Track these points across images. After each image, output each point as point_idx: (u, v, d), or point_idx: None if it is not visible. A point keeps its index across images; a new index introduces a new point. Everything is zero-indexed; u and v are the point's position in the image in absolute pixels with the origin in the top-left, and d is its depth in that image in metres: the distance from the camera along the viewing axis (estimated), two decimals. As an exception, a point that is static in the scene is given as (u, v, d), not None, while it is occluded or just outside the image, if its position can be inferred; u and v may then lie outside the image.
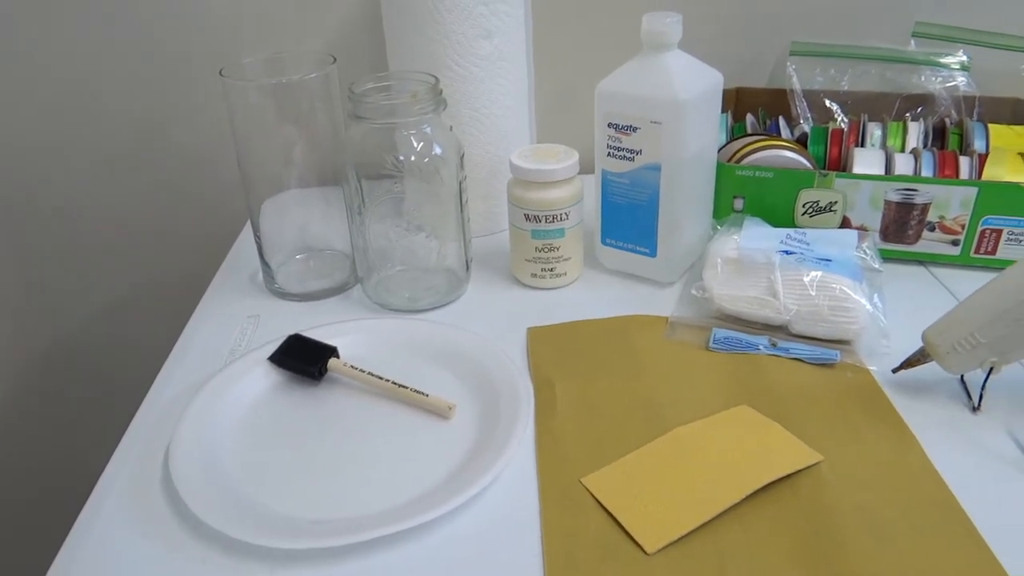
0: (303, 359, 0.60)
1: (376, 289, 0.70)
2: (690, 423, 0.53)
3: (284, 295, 0.72)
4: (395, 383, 0.57)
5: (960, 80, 0.82)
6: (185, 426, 0.54)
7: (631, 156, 0.66)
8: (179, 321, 0.71)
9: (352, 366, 0.59)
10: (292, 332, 0.63)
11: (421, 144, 0.63)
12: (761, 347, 0.60)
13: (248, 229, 0.84)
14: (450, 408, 0.55)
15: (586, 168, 0.70)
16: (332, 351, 0.60)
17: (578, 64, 0.91)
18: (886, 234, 0.71)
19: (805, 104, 0.85)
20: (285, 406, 0.58)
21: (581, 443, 0.53)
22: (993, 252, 0.69)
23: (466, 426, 0.55)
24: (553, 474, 0.50)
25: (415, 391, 0.57)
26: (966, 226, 0.68)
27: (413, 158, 0.63)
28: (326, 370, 0.60)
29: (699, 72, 0.65)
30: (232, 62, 0.66)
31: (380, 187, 0.65)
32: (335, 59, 0.66)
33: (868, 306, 0.60)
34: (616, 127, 0.65)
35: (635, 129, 0.64)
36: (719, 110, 0.68)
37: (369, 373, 0.58)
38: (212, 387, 0.58)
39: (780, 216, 0.72)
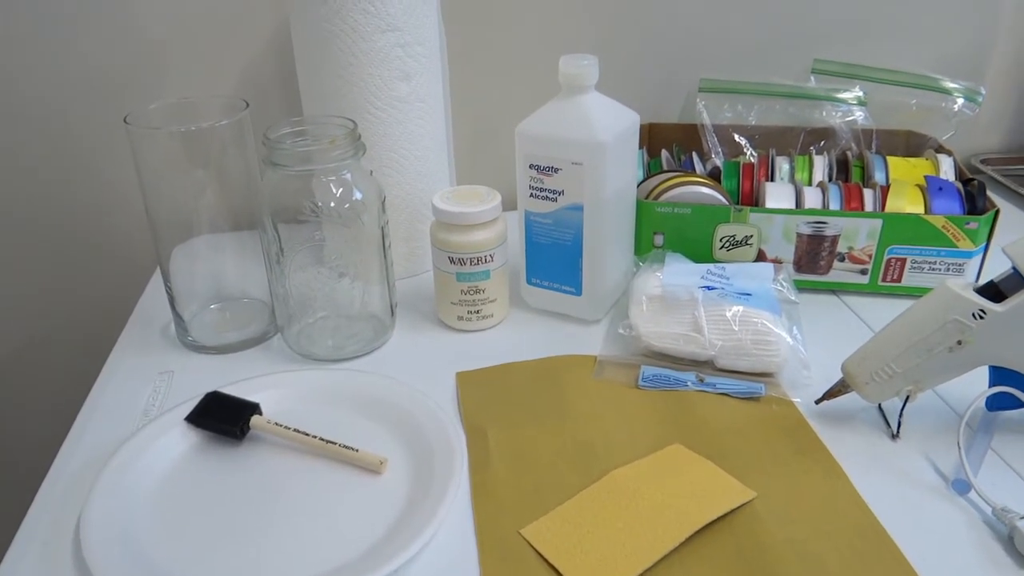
0: (223, 418, 0.57)
1: (297, 339, 0.68)
2: (625, 465, 0.53)
3: (199, 348, 0.69)
4: (322, 439, 0.55)
5: (858, 114, 0.86)
6: (97, 496, 0.51)
7: (553, 197, 0.66)
8: (86, 380, 0.67)
9: (276, 423, 0.57)
10: (209, 388, 0.60)
11: (341, 190, 0.62)
12: (689, 383, 0.61)
13: (157, 279, 0.80)
14: (381, 463, 0.54)
15: (506, 205, 0.70)
16: (254, 408, 0.58)
17: (493, 104, 0.91)
18: (799, 265, 0.73)
19: (715, 139, 0.87)
20: (205, 469, 0.55)
21: (517, 492, 0.52)
22: (899, 280, 0.72)
23: (399, 480, 0.53)
24: (491, 527, 0.49)
25: (344, 446, 0.55)
26: (873, 256, 0.71)
27: (333, 204, 0.62)
28: (248, 428, 0.57)
29: (617, 112, 0.66)
30: (136, 108, 0.63)
31: (299, 234, 0.63)
32: (248, 104, 0.64)
33: (788, 339, 0.62)
34: (538, 168, 0.66)
35: (556, 170, 0.65)
36: (636, 149, 0.70)
37: (294, 430, 0.56)
38: (125, 452, 0.55)
39: (699, 250, 0.73)
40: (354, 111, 0.70)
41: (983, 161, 1.00)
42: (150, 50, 0.84)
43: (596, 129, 0.63)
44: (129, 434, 0.57)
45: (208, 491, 0.53)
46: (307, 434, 0.56)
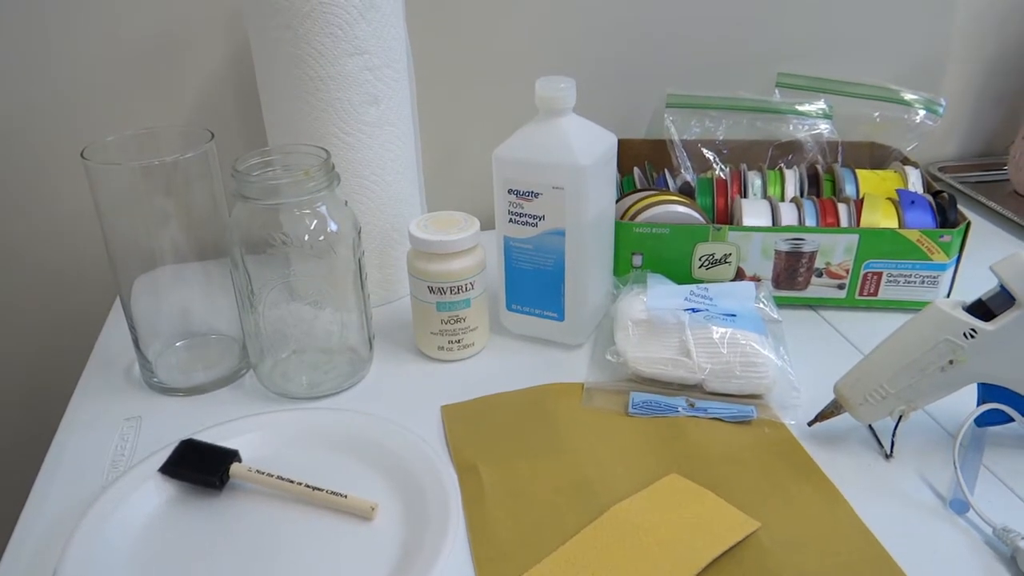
0: (200, 467, 0.54)
1: (271, 376, 0.65)
2: (624, 500, 0.52)
3: (167, 390, 0.65)
4: (308, 485, 0.53)
5: (824, 127, 0.87)
6: (69, 559, 0.47)
7: (534, 222, 0.64)
8: (45, 431, 0.63)
9: (257, 470, 0.54)
10: (180, 433, 0.57)
11: (315, 222, 0.59)
12: (680, 409, 0.60)
13: (115, 316, 0.76)
14: (372, 509, 0.51)
15: (481, 222, 0.68)
16: (233, 455, 0.55)
17: (461, 126, 0.89)
18: (778, 282, 0.73)
19: (685, 154, 0.87)
20: (184, 523, 0.52)
21: (517, 534, 0.50)
22: (875, 293, 0.72)
23: (392, 527, 0.51)
24: (493, 573, 0.48)
25: (331, 493, 0.52)
26: (850, 270, 0.72)
27: (307, 237, 0.59)
28: (228, 477, 0.54)
29: (595, 135, 0.65)
30: (93, 141, 0.59)
31: (271, 269, 0.60)
32: (213, 135, 0.61)
33: (776, 360, 0.61)
34: (517, 193, 0.64)
35: (537, 195, 0.63)
36: (615, 170, 0.69)
37: (278, 477, 0.53)
38: (97, 509, 0.51)
39: (677, 270, 0.73)
40: (322, 137, 0.68)
41: (941, 169, 1.02)
42: (103, 77, 0.80)
43: (577, 153, 0.61)
44: (98, 489, 0.54)
45: (189, 547, 0.50)
46: (291, 481, 0.53)
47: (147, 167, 0.58)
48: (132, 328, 0.65)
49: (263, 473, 0.54)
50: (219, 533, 0.51)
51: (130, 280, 0.63)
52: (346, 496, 0.52)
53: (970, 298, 0.54)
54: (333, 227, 0.60)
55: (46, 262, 0.87)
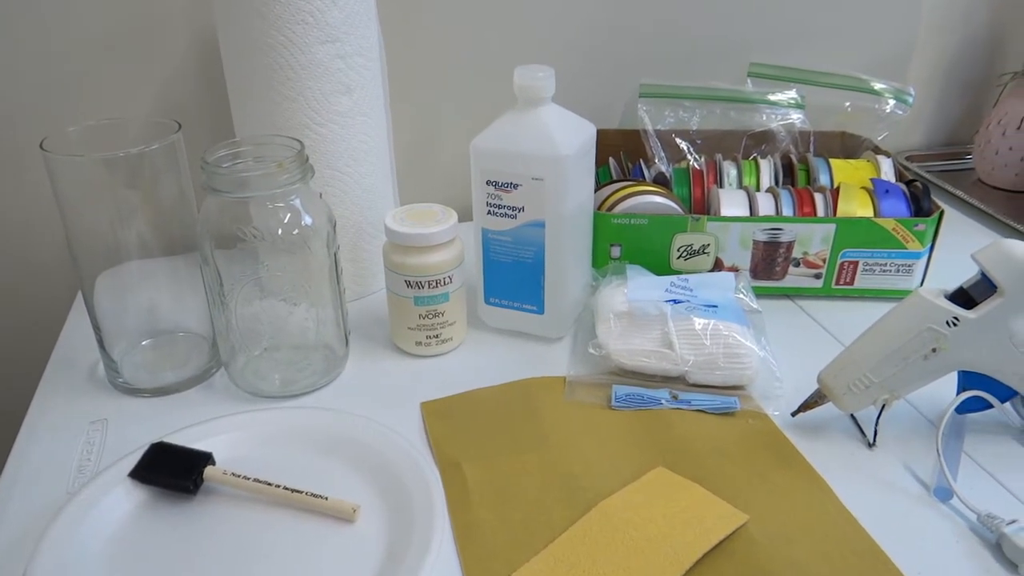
0: (173, 471, 0.52)
1: (243, 374, 0.63)
2: (612, 495, 0.51)
3: (134, 391, 0.63)
4: (286, 488, 0.51)
5: (796, 117, 0.87)
6: (36, 572, 0.45)
7: (513, 214, 0.63)
8: (5, 437, 0.60)
9: (233, 473, 0.52)
10: (148, 436, 0.55)
11: (289, 216, 0.57)
12: (663, 401, 0.60)
13: (78, 313, 0.73)
14: (354, 510, 0.50)
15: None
16: (206, 458, 0.53)
17: (433, 116, 0.88)
18: (756, 272, 0.73)
19: (658, 144, 0.86)
20: (157, 530, 0.50)
21: (504, 532, 0.49)
22: (851, 283, 0.73)
23: (375, 528, 0.50)
24: (482, 574, 0.46)
25: (311, 494, 0.51)
26: (827, 260, 0.72)
27: (280, 232, 0.57)
28: (202, 481, 0.52)
29: (575, 125, 0.64)
30: (53, 131, 0.57)
31: (243, 264, 0.58)
32: (180, 125, 0.59)
33: (758, 350, 0.61)
34: (496, 185, 0.63)
35: (516, 186, 0.62)
36: (594, 161, 0.68)
37: (254, 479, 0.52)
38: (65, 518, 0.49)
39: (656, 261, 0.72)
40: (293, 128, 0.66)
41: (908, 158, 1.03)
42: (65, 65, 0.77)
43: (557, 143, 0.60)
44: (65, 496, 0.52)
45: (163, 554, 0.48)
46: (269, 483, 0.51)
47: (110, 159, 0.56)
48: (96, 327, 0.62)
49: (239, 476, 0.52)
50: (194, 540, 0.49)
51: (93, 277, 0.60)
52: (327, 498, 0.50)
53: (943, 286, 0.54)
54: (307, 221, 0.58)
55: (3, 258, 0.84)
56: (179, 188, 0.60)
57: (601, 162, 0.85)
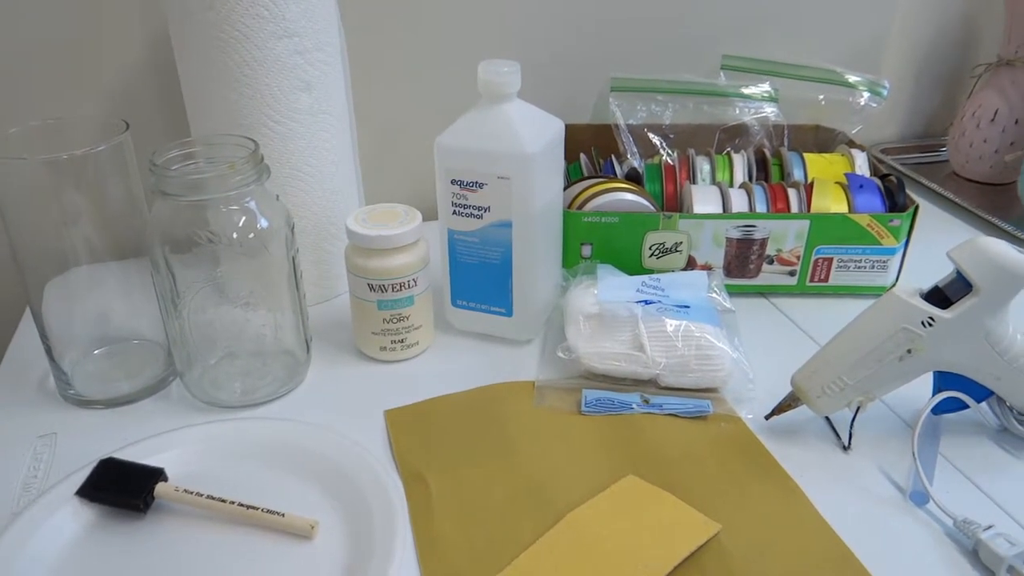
0: (122, 488, 0.50)
1: (200, 383, 0.60)
2: (581, 505, 0.49)
3: (85, 403, 0.60)
4: (241, 504, 0.49)
5: (770, 111, 0.85)
6: (-28, 601, 0.43)
7: (479, 214, 0.61)
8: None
9: (185, 490, 0.50)
10: (100, 450, 0.53)
11: (244, 219, 0.55)
12: (634, 405, 0.58)
13: (26, 324, 0.71)
14: (312, 527, 0.48)
15: (422, 214, 0.64)
16: (158, 474, 0.51)
17: (399, 113, 0.85)
18: (729, 270, 0.72)
19: (631, 139, 0.85)
20: (106, 551, 0.48)
21: (468, 547, 0.47)
22: (826, 279, 0.71)
23: (334, 545, 0.48)
24: (444, 592, 0.45)
25: (267, 511, 0.49)
26: (801, 257, 0.70)
27: (235, 235, 0.55)
28: (153, 499, 0.50)
29: (542, 121, 0.62)
30: (-7, 132, 0.54)
31: (197, 271, 0.56)
32: (128, 125, 0.56)
33: (731, 352, 0.60)
34: (461, 184, 0.61)
35: (482, 185, 0.60)
36: (562, 158, 0.66)
37: (208, 496, 0.49)
38: (8, 540, 0.46)
39: (628, 259, 0.71)
40: (250, 127, 0.64)
41: (884, 151, 1.02)
42: (6, 62, 0.73)
43: (523, 140, 0.58)
44: (8, 516, 0.49)
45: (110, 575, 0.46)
46: (223, 500, 0.49)
47: (54, 161, 0.53)
48: (44, 337, 0.60)
49: (192, 492, 0.50)
50: (145, 560, 0.47)
51: (41, 285, 0.58)
52: (283, 514, 0.48)
53: (919, 282, 0.53)
54: (263, 223, 0.56)
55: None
56: (128, 190, 0.58)
57: (572, 158, 0.84)
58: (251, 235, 0.56)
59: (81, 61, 0.75)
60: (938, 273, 0.52)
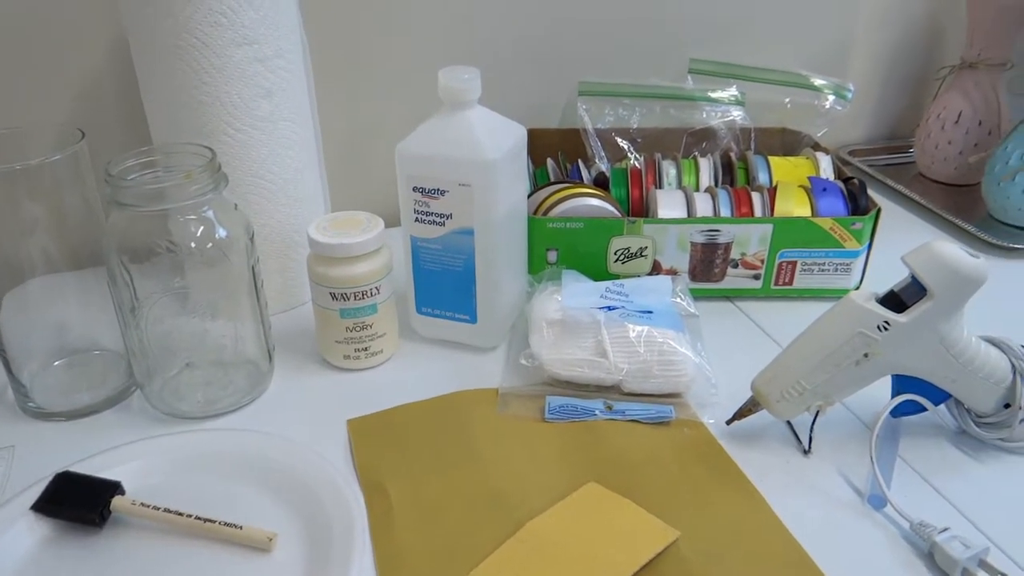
0: (78, 502, 0.50)
1: (161, 395, 0.60)
2: (541, 514, 0.49)
3: (45, 415, 0.60)
4: (198, 517, 0.49)
5: (736, 114, 0.86)
6: (-79, 621, 0.42)
7: (441, 221, 0.61)
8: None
9: (142, 503, 0.49)
10: (59, 463, 0.52)
11: (202, 228, 0.55)
12: (597, 412, 0.58)
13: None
14: (270, 540, 0.48)
15: (390, 221, 0.64)
16: (114, 487, 0.50)
17: (365, 119, 0.85)
18: (694, 274, 0.72)
19: (599, 143, 0.85)
20: (61, 567, 0.47)
21: (427, 558, 0.47)
22: (790, 283, 0.72)
23: (291, 558, 0.47)
24: (402, 603, 0.45)
25: (225, 524, 0.48)
26: (765, 260, 0.71)
27: (193, 245, 0.55)
28: (109, 513, 0.49)
29: (503, 128, 0.62)
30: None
31: (156, 280, 0.55)
32: (83, 134, 0.56)
33: (694, 356, 0.60)
34: (422, 191, 0.61)
35: (443, 192, 0.60)
36: (525, 164, 0.66)
37: (164, 509, 0.49)
38: (-44, 559, 0.46)
39: (593, 264, 0.71)
40: (211, 134, 0.63)
41: (851, 153, 1.02)
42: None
43: (484, 147, 0.58)
44: (-39, 533, 0.48)
45: (65, 594, 0.46)
46: (180, 513, 0.49)
47: (7, 172, 0.53)
48: (1, 349, 0.59)
49: (148, 506, 0.49)
50: (100, 575, 0.47)
51: (-1, 296, 0.57)
52: (241, 527, 0.48)
53: (883, 284, 0.53)
54: (222, 233, 0.56)
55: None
56: (85, 199, 0.57)
57: (541, 162, 0.84)
58: (209, 244, 0.55)
59: (42, 67, 0.74)
60: (903, 275, 0.52)
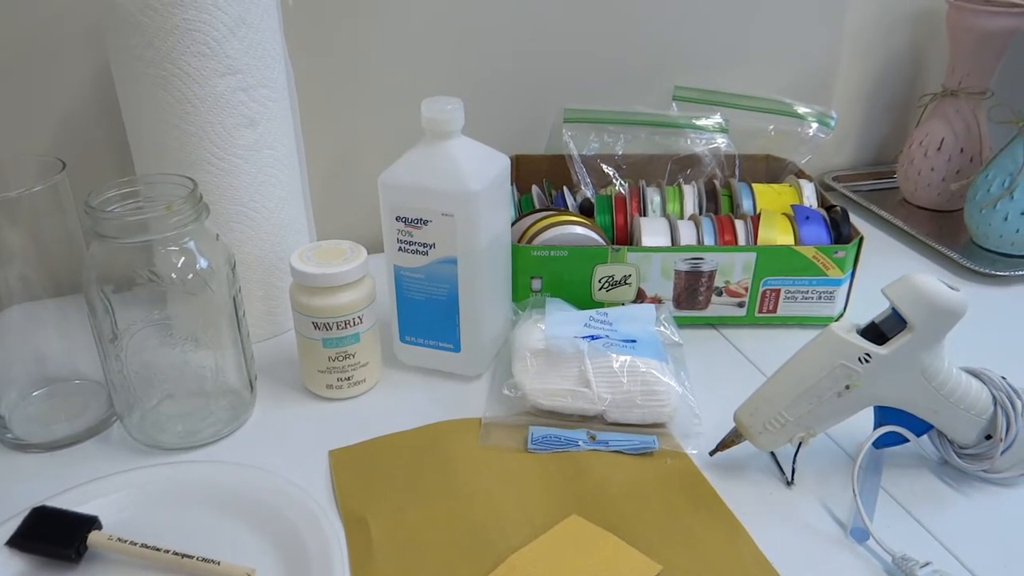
0: (54, 538, 0.49)
1: (141, 426, 0.59)
2: (523, 548, 0.49)
3: (24, 447, 0.59)
4: (176, 553, 0.48)
5: (721, 141, 0.86)
6: None
7: (424, 250, 0.61)
8: None
9: (119, 538, 0.49)
10: (37, 496, 0.52)
11: (183, 259, 0.55)
12: (580, 443, 0.58)
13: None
14: (248, 575, 0.47)
15: (375, 248, 0.64)
16: (91, 522, 0.50)
17: (350, 148, 0.85)
18: (679, 302, 0.72)
19: (584, 170, 0.85)
20: (34, 605, 0.47)
21: (407, 593, 0.47)
22: (774, 310, 0.72)
23: (271, 594, 0.47)
24: (380, 641, 0.44)
25: (203, 559, 0.48)
26: (749, 288, 0.71)
27: (175, 275, 0.54)
28: (86, 548, 0.49)
29: (486, 158, 0.62)
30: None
31: (136, 310, 0.55)
32: (64, 164, 0.56)
33: (677, 387, 0.60)
34: (405, 221, 0.61)
35: (426, 222, 0.60)
36: (509, 194, 0.66)
37: (142, 545, 0.48)
38: (-72, 597, 0.45)
39: (578, 292, 0.71)
40: (194, 164, 0.63)
41: (835, 179, 1.03)
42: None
43: (466, 178, 0.58)
44: (-66, 570, 0.48)
45: (38, 633, 0.45)
46: (158, 548, 0.48)
47: (-15, 203, 0.53)
48: (-21, 379, 0.59)
49: (126, 541, 0.49)
50: (75, 613, 0.46)
51: (-25, 326, 0.57)
52: (219, 563, 0.48)
53: (867, 312, 0.54)
54: (203, 263, 0.55)
55: None
56: (66, 229, 0.57)
57: (525, 189, 0.84)
58: (191, 275, 0.55)
59: (25, 97, 0.74)
60: (887, 303, 0.52)
